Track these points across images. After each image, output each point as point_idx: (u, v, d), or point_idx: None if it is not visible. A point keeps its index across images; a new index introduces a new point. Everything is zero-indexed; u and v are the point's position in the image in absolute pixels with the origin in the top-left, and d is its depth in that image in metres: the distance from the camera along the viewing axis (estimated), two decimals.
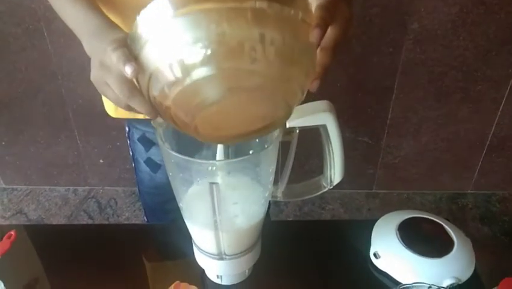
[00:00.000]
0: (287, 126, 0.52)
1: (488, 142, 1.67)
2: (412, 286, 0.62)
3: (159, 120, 0.53)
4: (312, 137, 0.59)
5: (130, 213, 1.75)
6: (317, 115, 0.50)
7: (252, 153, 0.54)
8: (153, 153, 0.88)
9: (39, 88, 1.59)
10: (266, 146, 0.53)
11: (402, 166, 1.73)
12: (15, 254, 0.70)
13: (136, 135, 0.88)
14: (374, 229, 0.75)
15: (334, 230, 0.79)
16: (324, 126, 0.52)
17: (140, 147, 0.89)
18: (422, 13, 1.39)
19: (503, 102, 1.57)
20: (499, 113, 1.59)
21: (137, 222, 1.72)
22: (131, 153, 0.93)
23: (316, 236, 0.76)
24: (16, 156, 1.78)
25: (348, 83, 1.51)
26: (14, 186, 1.86)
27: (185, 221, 0.61)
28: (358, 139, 1.61)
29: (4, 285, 0.61)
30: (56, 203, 1.80)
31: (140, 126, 0.86)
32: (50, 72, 1.54)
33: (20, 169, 1.82)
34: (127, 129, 0.90)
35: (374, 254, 0.71)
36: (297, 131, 0.53)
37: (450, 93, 1.55)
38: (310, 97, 0.55)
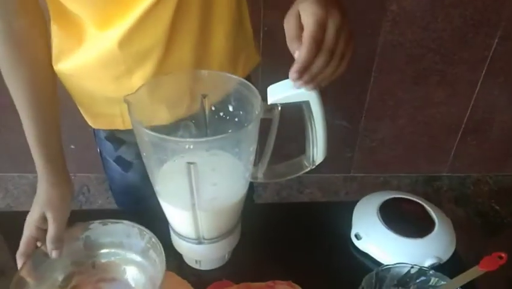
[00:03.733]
0: (269, 102, 0.50)
1: (463, 126, 1.69)
2: (395, 267, 0.62)
3: (130, 97, 0.50)
4: (291, 118, 0.57)
5: (103, 200, 1.70)
6: (300, 91, 0.48)
7: (234, 130, 0.52)
8: (123, 151, 0.82)
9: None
10: (246, 124, 0.50)
11: (379, 149, 1.74)
12: None
13: (103, 133, 0.82)
14: (355, 211, 0.74)
15: (314, 213, 0.78)
16: (307, 103, 0.49)
17: (108, 145, 0.83)
18: None
19: (479, 85, 1.58)
20: (475, 96, 1.61)
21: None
22: (98, 151, 0.87)
23: (296, 219, 0.75)
24: None
25: None
26: None
27: (162, 205, 0.58)
28: (336, 122, 1.60)
29: None
30: (26, 191, 1.73)
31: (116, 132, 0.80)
32: None
33: None
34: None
35: (356, 236, 0.70)
36: (279, 108, 0.50)
37: (428, 76, 1.55)
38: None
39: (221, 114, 0.60)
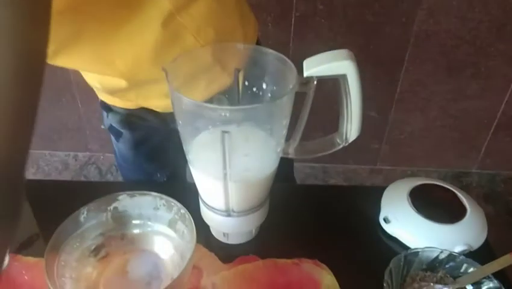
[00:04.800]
0: (305, 75, 0.49)
1: (496, 121, 1.64)
2: (424, 251, 0.61)
3: (168, 66, 0.51)
4: (325, 94, 0.56)
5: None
6: (337, 64, 0.47)
7: (265, 102, 0.52)
8: (111, 119, 0.83)
9: None
10: (281, 96, 0.50)
11: (407, 142, 1.71)
12: None
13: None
14: (384, 195, 0.73)
15: (342, 195, 0.77)
16: (344, 76, 0.49)
17: (104, 114, 0.85)
18: None
19: None
20: (510, 91, 1.56)
21: None
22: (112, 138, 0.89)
23: (324, 201, 0.75)
24: None
25: (358, 54, 1.47)
26: None
27: (194, 174, 0.59)
28: (365, 113, 1.58)
29: None
30: (56, 167, 1.78)
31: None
32: None
33: None
34: (104, 113, 0.85)
35: (384, 219, 0.69)
36: (315, 82, 0.50)
37: (461, 68, 1.51)
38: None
39: (254, 89, 0.60)
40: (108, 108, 0.82)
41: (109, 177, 1.75)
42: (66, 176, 1.75)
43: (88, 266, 0.60)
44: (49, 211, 0.68)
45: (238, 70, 0.60)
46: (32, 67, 0.36)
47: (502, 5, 1.37)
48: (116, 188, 0.64)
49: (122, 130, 0.84)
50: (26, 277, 0.61)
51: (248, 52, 0.59)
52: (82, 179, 1.74)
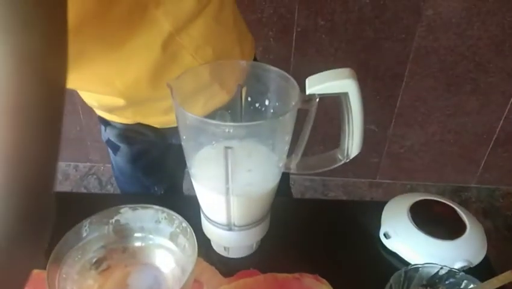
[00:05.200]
0: (307, 92, 0.50)
1: (495, 136, 1.66)
2: (424, 267, 0.61)
3: (172, 82, 0.51)
4: (326, 110, 0.57)
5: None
6: (339, 82, 0.48)
7: (268, 118, 0.52)
8: (109, 133, 0.84)
9: None
10: (283, 113, 0.51)
11: (407, 156, 1.72)
12: None
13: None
14: (384, 210, 0.74)
15: (343, 210, 0.77)
16: (345, 94, 0.50)
17: (102, 127, 0.85)
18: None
19: None
20: (508, 106, 1.58)
21: None
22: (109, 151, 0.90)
23: (325, 215, 0.75)
24: None
25: (358, 69, 1.48)
26: None
27: (196, 189, 0.59)
28: (365, 126, 1.59)
29: None
30: (57, 178, 1.78)
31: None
32: None
33: None
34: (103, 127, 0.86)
35: (385, 234, 0.70)
36: (317, 99, 0.51)
37: (461, 84, 1.53)
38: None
39: (257, 104, 0.61)
40: (106, 122, 0.83)
41: (110, 188, 1.75)
42: (66, 186, 1.75)
43: (89, 279, 0.60)
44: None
45: (241, 86, 0.61)
46: (55, 90, 0.36)
47: (501, 23, 1.39)
48: (116, 201, 0.64)
49: (120, 144, 0.84)
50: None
51: (250, 69, 0.60)
52: (82, 189, 1.74)
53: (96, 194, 0.93)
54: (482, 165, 1.73)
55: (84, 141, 1.75)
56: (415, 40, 1.44)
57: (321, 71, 0.52)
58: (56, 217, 0.40)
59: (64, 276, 0.57)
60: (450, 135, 1.66)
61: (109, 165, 1.80)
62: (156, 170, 0.90)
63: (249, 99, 0.61)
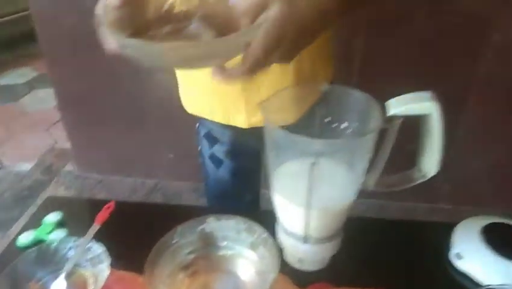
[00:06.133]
0: (390, 113, 0.54)
1: None
2: (500, 287, 0.62)
3: (264, 103, 0.57)
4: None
5: None
6: (422, 104, 0.52)
7: (353, 136, 0.56)
8: (216, 149, 0.94)
9: (120, 81, 1.68)
10: (366, 133, 0.55)
11: (470, 182, 1.68)
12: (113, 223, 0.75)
13: (202, 131, 0.94)
14: (455, 231, 0.75)
15: (412, 230, 0.79)
16: (427, 116, 0.53)
17: (205, 142, 0.95)
18: (506, 24, 1.36)
19: None
20: None
21: None
22: (199, 148, 0.99)
23: (394, 235, 0.77)
24: (90, 147, 1.89)
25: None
26: (87, 175, 1.97)
27: (275, 200, 0.63)
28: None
29: (105, 250, 0.66)
30: (125, 193, 1.89)
31: (208, 123, 0.91)
32: (130, 71, 1.63)
33: (93, 159, 1.93)
34: (197, 124, 0.96)
35: (457, 255, 0.71)
36: (400, 120, 0.54)
37: None
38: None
39: (334, 125, 0.65)
40: (214, 140, 0.93)
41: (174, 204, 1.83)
42: (134, 201, 1.85)
43: (178, 282, 0.65)
44: (139, 230, 0.75)
45: (322, 108, 0.65)
46: None
47: None
48: (202, 211, 0.69)
49: (224, 160, 0.94)
50: None
51: (330, 91, 0.64)
52: None
53: (184, 206, 1.02)
54: None
55: (151, 158, 1.85)
56: (481, 64, 1.43)
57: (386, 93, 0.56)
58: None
59: (157, 278, 0.62)
60: None
61: (175, 182, 1.89)
62: (251, 179, 1.00)
63: (327, 119, 0.66)
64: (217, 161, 0.96)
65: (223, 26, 0.49)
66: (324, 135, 0.67)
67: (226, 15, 0.49)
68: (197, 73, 0.76)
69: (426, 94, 0.53)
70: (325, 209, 0.60)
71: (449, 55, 1.44)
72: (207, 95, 0.84)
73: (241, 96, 0.80)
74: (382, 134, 0.57)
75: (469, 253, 0.70)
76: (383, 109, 0.55)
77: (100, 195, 1.88)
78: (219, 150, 0.94)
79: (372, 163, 0.60)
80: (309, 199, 0.58)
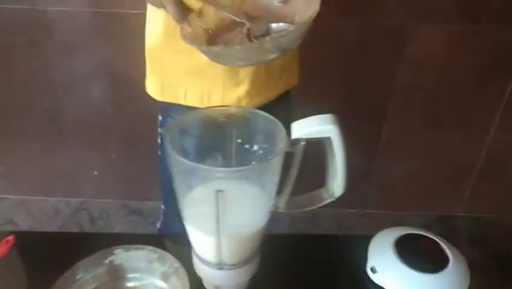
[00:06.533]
0: (292, 137, 0.54)
1: (479, 167, 1.70)
2: None
3: (168, 127, 0.55)
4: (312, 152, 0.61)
5: (122, 226, 1.74)
6: (321, 128, 0.52)
7: (259, 162, 0.55)
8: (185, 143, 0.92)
9: (37, 99, 1.59)
10: (271, 157, 0.54)
11: (394, 187, 1.76)
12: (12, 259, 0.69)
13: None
14: (371, 244, 0.76)
15: (330, 244, 0.80)
16: (329, 139, 0.53)
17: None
18: (418, 38, 1.43)
19: (494, 126, 1.60)
20: (490, 138, 1.63)
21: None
22: (159, 142, 0.97)
23: (314, 250, 0.77)
24: (9, 166, 1.77)
25: (343, 105, 1.54)
26: (6, 196, 1.84)
27: (187, 229, 0.61)
28: (352, 158, 1.63)
29: None
30: (48, 214, 1.78)
31: (176, 115, 0.89)
32: (48, 84, 1.55)
33: (12, 179, 1.80)
34: (160, 118, 0.95)
35: (371, 269, 0.72)
36: (303, 143, 0.54)
37: (443, 118, 1.58)
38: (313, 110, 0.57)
39: (246, 146, 0.64)
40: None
41: (101, 223, 1.75)
42: (57, 222, 1.75)
43: None
44: (41, 264, 0.70)
45: (233, 130, 0.64)
46: None
47: (478, 60, 1.46)
48: (110, 240, 0.65)
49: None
50: None
51: (240, 113, 0.63)
52: (74, 225, 1.74)
53: (87, 234, 0.94)
54: (468, 194, 1.77)
55: (75, 177, 1.76)
56: (397, 76, 1.50)
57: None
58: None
59: None
60: (435, 167, 1.70)
61: (102, 200, 1.81)
62: None
63: (239, 140, 0.64)
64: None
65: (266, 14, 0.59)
66: (238, 156, 0.65)
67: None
68: (180, 55, 0.80)
69: (326, 117, 0.53)
70: (236, 235, 0.59)
71: (371, 66, 1.49)
72: (186, 76, 0.85)
73: (219, 75, 0.83)
74: (289, 156, 0.57)
75: (382, 266, 0.72)
76: (288, 132, 0.55)
77: (20, 217, 1.76)
78: (189, 143, 0.91)
79: (281, 185, 0.59)
80: (218, 227, 0.56)
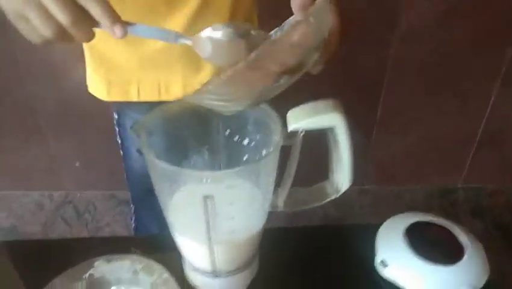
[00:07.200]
0: (289, 129, 0.46)
1: (478, 138, 1.65)
2: None
3: (138, 126, 0.46)
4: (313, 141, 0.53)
5: (110, 218, 1.66)
6: (323, 116, 0.44)
7: (251, 161, 0.47)
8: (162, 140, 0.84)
9: (6, 92, 1.48)
10: (265, 154, 0.46)
11: (392, 162, 1.70)
12: None
13: (128, 123, 0.82)
14: (378, 235, 0.70)
15: (334, 236, 0.73)
16: (332, 129, 0.45)
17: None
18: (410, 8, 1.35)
19: (494, 96, 1.54)
20: (489, 108, 1.57)
21: (117, 227, 1.64)
22: (119, 141, 0.89)
23: (316, 244, 0.70)
24: None
25: (337, 80, 1.46)
26: None
27: (175, 237, 0.54)
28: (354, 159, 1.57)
29: None
30: (30, 209, 1.70)
31: (133, 113, 0.80)
32: (17, 76, 1.44)
33: None
34: (116, 116, 0.85)
35: (382, 262, 0.66)
36: (302, 135, 0.46)
37: (440, 89, 1.51)
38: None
39: (235, 138, 0.56)
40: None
41: (87, 216, 1.67)
42: (41, 218, 1.67)
43: None
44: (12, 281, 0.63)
45: (220, 120, 0.56)
46: None
47: (475, 27, 1.38)
48: (91, 245, 0.59)
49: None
50: None
51: None
52: (59, 220, 1.66)
53: (67, 240, 0.87)
54: (467, 165, 1.72)
55: (56, 169, 1.67)
56: (391, 47, 1.42)
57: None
58: None
59: None
60: (433, 140, 1.64)
61: (86, 192, 1.73)
62: None
63: (228, 132, 0.57)
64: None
65: None
66: (227, 150, 0.58)
67: None
68: (127, 44, 0.70)
69: (328, 104, 0.45)
70: (230, 242, 0.51)
71: (363, 41, 1.40)
72: (137, 68, 0.74)
73: (177, 62, 0.72)
74: (286, 148, 0.49)
75: (393, 259, 0.65)
76: (284, 122, 0.47)
77: (1, 215, 1.67)
78: (151, 142, 0.83)
79: (278, 182, 0.51)
80: (209, 235, 0.49)
